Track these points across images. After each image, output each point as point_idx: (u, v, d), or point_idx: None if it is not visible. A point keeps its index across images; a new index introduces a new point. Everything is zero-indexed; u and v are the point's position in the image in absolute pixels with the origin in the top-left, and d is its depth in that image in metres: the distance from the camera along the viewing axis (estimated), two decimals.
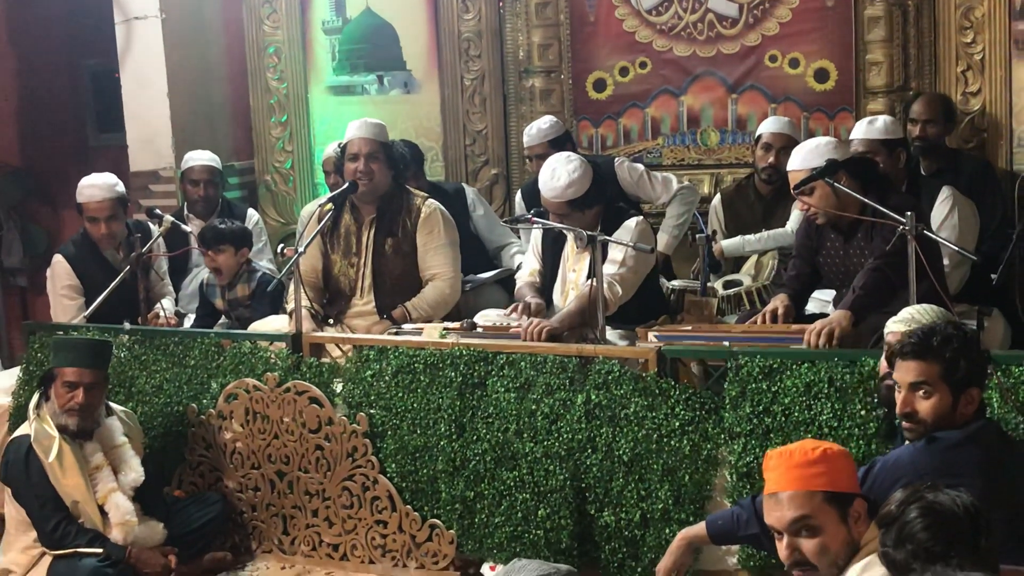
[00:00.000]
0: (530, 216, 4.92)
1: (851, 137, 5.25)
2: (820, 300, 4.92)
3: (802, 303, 4.72)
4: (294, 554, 4.83)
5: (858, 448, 3.79)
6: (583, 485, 4.31)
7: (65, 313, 5.68)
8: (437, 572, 4.54)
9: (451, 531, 4.52)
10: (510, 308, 5.01)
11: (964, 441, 3.15)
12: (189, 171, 6.46)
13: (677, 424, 4.15)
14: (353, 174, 5.19)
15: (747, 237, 5.57)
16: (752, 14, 6.24)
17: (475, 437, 4.48)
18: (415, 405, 4.59)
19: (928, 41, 5.91)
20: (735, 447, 4.06)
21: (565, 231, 4.92)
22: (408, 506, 4.59)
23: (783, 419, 3.99)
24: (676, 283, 5.52)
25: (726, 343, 4.27)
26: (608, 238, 4.66)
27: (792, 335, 4.30)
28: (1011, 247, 4.77)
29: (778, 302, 4.55)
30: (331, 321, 5.34)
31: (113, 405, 4.80)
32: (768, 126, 5.68)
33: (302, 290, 4.98)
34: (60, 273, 5.72)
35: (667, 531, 4.07)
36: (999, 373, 3.67)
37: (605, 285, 4.58)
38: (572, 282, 4.96)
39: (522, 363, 4.44)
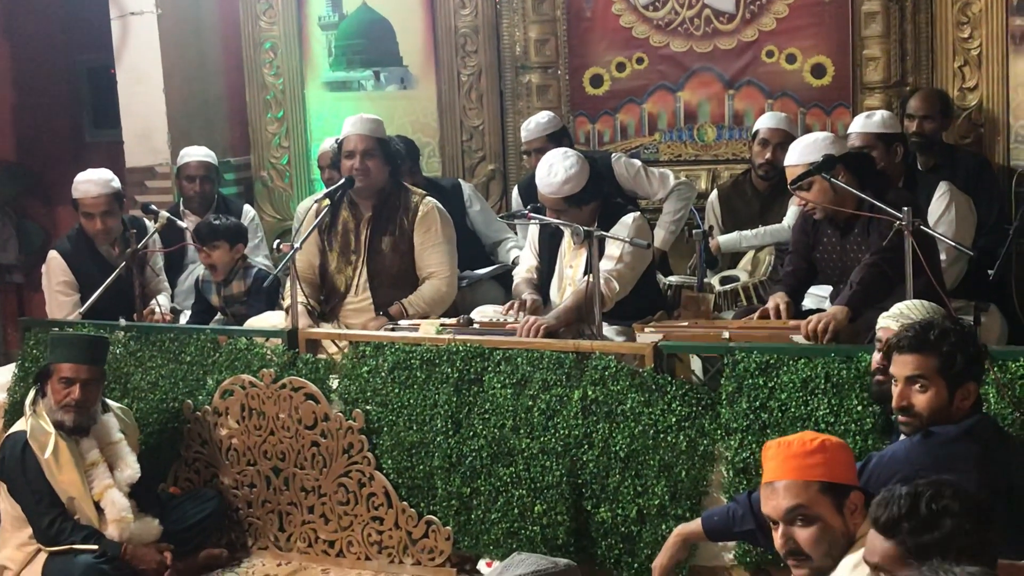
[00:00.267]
0: (527, 212, 4.91)
1: (849, 131, 5.25)
2: (817, 296, 4.92)
3: (799, 299, 4.72)
4: (290, 551, 4.83)
5: (854, 443, 3.79)
6: (579, 481, 4.30)
7: (60, 309, 5.68)
8: (433, 568, 4.54)
9: (447, 527, 4.51)
10: (506, 306, 5.01)
11: (960, 436, 3.15)
12: (185, 167, 6.44)
13: (674, 420, 4.15)
14: (350, 171, 5.19)
15: (744, 233, 5.58)
16: (749, 9, 6.24)
17: (471, 433, 4.47)
18: (411, 401, 4.59)
19: (925, 36, 5.91)
20: (732, 443, 4.05)
21: (562, 227, 4.91)
22: (404, 502, 4.59)
23: (780, 415, 3.99)
24: (673, 279, 5.52)
25: (725, 334, 4.27)
26: (605, 234, 4.65)
27: (790, 331, 4.30)
28: (1008, 242, 4.77)
29: (778, 299, 4.55)
30: (325, 315, 5.34)
31: (109, 402, 4.80)
32: (765, 122, 5.68)
33: (298, 286, 4.97)
34: (55, 269, 5.72)
35: (663, 527, 4.07)
36: (996, 368, 3.66)
37: (602, 281, 4.58)
38: (569, 278, 4.96)
39: (519, 359, 4.43)
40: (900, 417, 3.27)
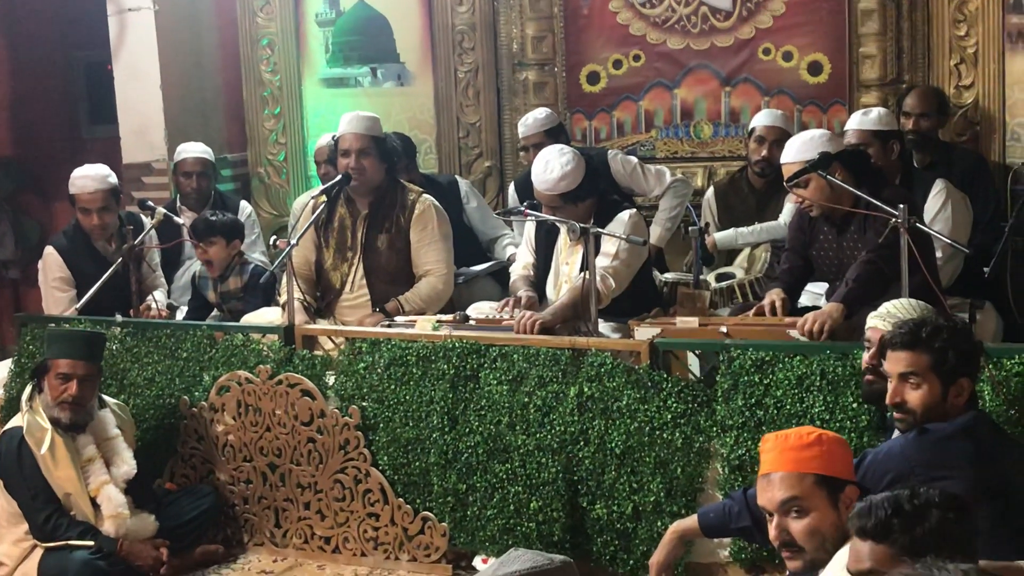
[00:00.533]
0: (523, 208, 4.91)
1: (845, 128, 5.26)
2: (813, 293, 4.92)
3: (795, 296, 4.72)
4: (286, 547, 4.83)
5: (850, 440, 3.78)
6: (575, 478, 4.31)
7: (57, 305, 5.68)
8: (429, 565, 4.55)
9: (443, 524, 4.52)
10: (501, 304, 5.01)
11: (956, 433, 3.15)
12: (182, 163, 6.44)
13: (669, 417, 4.15)
14: (345, 169, 5.19)
15: (740, 230, 5.58)
16: (745, 7, 6.24)
17: (467, 430, 4.47)
18: (407, 398, 4.59)
19: (921, 34, 5.91)
20: (727, 440, 4.06)
21: (558, 224, 4.91)
22: (400, 499, 4.59)
23: (775, 412, 4.00)
24: (669, 276, 5.52)
25: (722, 329, 4.28)
26: (601, 231, 4.66)
27: (784, 327, 4.31)
28: (1003, 240, 4.78)
29: (774, 295, 4.55)
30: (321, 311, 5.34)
31: (105, 398, 4.80)
32: (761, 119, 5.69)
33: (295, 282, 4.97)
34: (52, 265, 5.71)
35: (659, 523, 4.08)
36: (991, 366, 3.67)
37: (598, 278, 4.58)
38: (565, 275, 4.96)
39: (515, 356, 4.43)
40: (895, 414, 3.29)
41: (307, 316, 5.13)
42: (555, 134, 5.81)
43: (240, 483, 4.90)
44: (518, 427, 4.39)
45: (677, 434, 4.14)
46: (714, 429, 4.11)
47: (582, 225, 4.62)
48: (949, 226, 4.94)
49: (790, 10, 6.17)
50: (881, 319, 3.60)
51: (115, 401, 4.87)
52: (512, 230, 6.08)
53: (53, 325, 5.18)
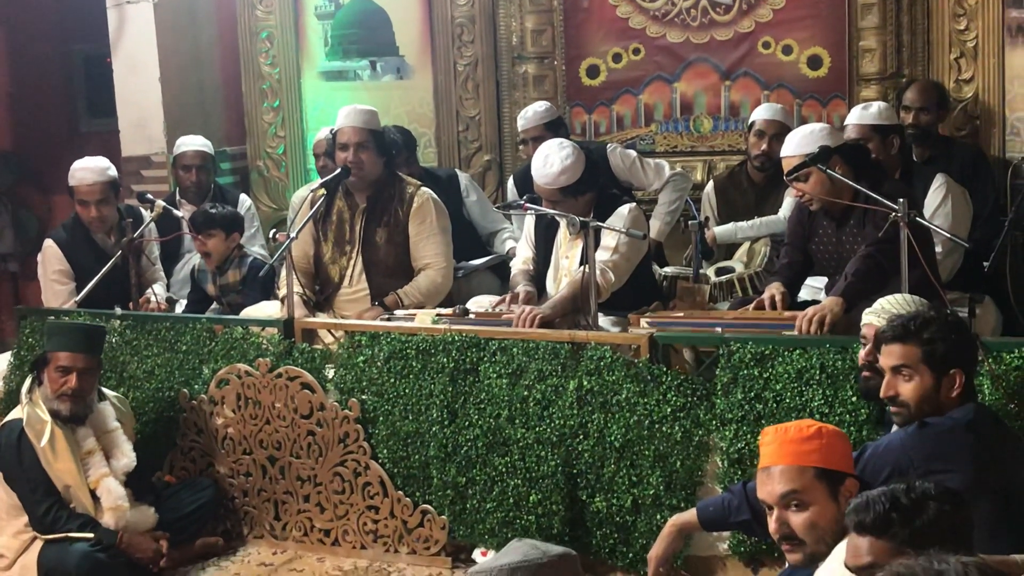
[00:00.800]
0: (523, 202, 4.91)
1: (845, 122, 5.25)
2: (812, 287, 4.93)
3: (795, 290, 4.72)
4: (286, 539, 4.84)
5: (849, 434, 3.78)
6: (575, 471, 4.31)
7: (56, 298, 5.67)
8: (429, 558, 4.55)
9: (443, 517, 4.52)
10: (497, 300, 5.01)
11: (956, 427, 3.16)
12: (181, 156, 6.44)
13: (669, 410, 4.16)
14: (344, 163, 5.18)
15: (740, 224, 5.58)
16: (745, 1, 6.23)
17: (467, 423, 4.48)
18: (407, 391, 4.59)
19: (921, 28, 5.91)
20: (726, 433, 4.07)
21: (558, 218, 4.91)
22: (400, 492, 4.59)
23: (775, 405, 4.00)
24: (669, 270, 5.53)
25: (718, 329, 4.27)
26: (601, 225, 4.65)
27: (784, 322, 4.31)
28: (1003, 235, 4.79)
29: (774, 289, 4.55)
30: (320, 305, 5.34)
31: (105, 390, 4.80)
32: (761, 113, 5.68)
33: (294, 276, 4.97)
34: (51, 258, 5.71)
35: (658, 517, 4.08)
36: (990, 360, 3.67)
37: (598, 272, 4.58)
38: (565, 269, 4.96)
39: (514, 349, 4.44)
40: (890, 408, 3.30)
41: (306, 310, 5.13)
42: (554, 128, 5.81)
43: (240, 476, 4.90)
44: (517, 420, 4.39)
45: (676, 427, 4.14)
46: (713, 423, 4.12)
47: (582, 219, 4.62)
48: (949, 220, 4.94)
49: (790, 4, 6.17)
50: (876, 315, 3.61)
51: (115, 394, 4.87)
52: (512, 224, 6.08)
53: (53, 318, 5.18)
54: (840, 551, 2.70)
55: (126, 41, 7.12)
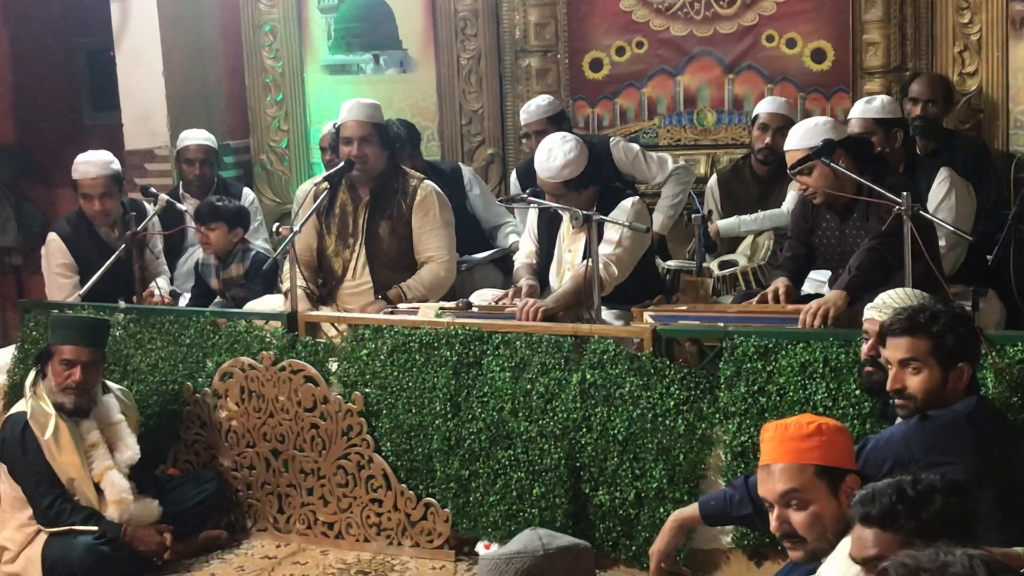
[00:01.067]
0: (526, 196, 4.91)
1: (849, 116, 5.25)
2: (816, 280, 4.92)
3: (798, 284, 4.72)
4: (289, 532, 4.84)
5: (852, 427, 3.80)
6: (578, 464, 4.31)
7: (60, 291, 5.68)
8: (432, 550, 4.56)
9: (446, 510, 4.53)
10: (500, 295, 5.01)
11: (958, 419, 3.16)
12: (184, 150, 6.44)
13: (672, 404, 4.16)
14: (348, 156, 5.19)
15: (743, 217, 5.58)
16: None
17: (470, 416, 4.48)
18: (410, 384, 4.60)
19: (925, 21, 5.90)
20: (730, 427, 4.07)
21: (561, 211, 4.91)
22: (403, 485, 4.60)
23: (778, 399, 4.00)
24: (672, 263, 5.53)
25: (721, 324, 4.27)
26: (604, 218, 4.65)
27: (787, 315, 4.31)
28: (1007, 228, 4.78)
29: (779, 283, 4.56)
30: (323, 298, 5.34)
31: (109, 383, 4.80)
32: (765, 106, 5.68)
33: (297, 269, 4.97)
34: (55, 251, 5.71)
35: (661, 510, 4.09)
36: (994, 353, 3.67)
37: (601, 265, 4.58)
38: (568, 262, 4.96)
39: (517, 343, 4.44)
40: (896, 400, 3.30)
41: (310, 303, 5.13)
42: (557, 121, 5.80)
43: (243, 469, 4.91)
44: (521, 414, 4.39)
45: (680, 421, 4.14)
46: (717, 416, 4.12)
47: (585, 213, 4.62)
48: (953, 214, 4.94)
49: None
50: (877, 310, 3.61)
51: (119, 387, 4.87)
52: (515, 218, 6.08)
53: (57, 311, 5.18)
54: (844, 547, 2.70)
55: (129, 35, 7.12)
